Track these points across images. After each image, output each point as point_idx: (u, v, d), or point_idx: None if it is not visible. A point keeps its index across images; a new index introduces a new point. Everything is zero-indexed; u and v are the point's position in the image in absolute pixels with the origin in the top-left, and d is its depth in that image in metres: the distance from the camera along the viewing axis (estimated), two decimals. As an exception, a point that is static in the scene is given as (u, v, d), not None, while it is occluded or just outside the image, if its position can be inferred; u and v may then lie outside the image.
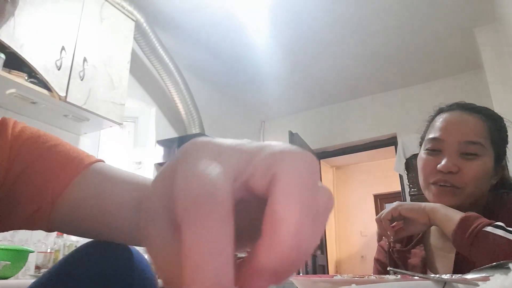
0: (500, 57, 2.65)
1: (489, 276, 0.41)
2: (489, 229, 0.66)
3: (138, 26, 2.40)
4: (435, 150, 0.84)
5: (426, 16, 2.69)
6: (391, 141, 3.70)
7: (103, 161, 0.50)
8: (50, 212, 0.46)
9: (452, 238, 0.70)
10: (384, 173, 5.40)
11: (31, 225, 0.47)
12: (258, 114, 4.28)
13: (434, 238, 0.89)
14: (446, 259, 0.83)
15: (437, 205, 0.76)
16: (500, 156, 0.84)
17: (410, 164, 3.31)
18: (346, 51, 3.12)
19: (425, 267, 0.84)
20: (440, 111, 0.91)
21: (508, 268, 0.44)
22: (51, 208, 0.46)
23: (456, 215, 0.71)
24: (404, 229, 0.82)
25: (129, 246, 0.48)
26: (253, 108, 4.12)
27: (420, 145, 0.93)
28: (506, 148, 0.87)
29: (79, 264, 0.46)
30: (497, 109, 2.56)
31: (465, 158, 0.80)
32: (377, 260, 0.99)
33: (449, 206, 0.82)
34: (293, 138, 3.46)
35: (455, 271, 0.79)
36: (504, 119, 0.89)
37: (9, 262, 1.34)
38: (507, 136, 0.88)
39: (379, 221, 0.81)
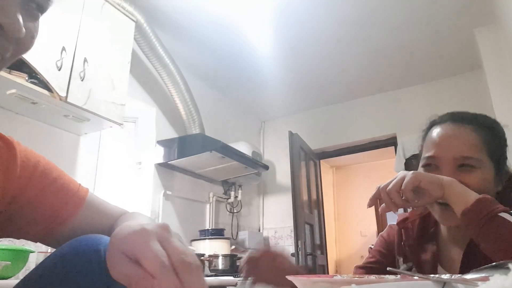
0: (500, 57, 2.65)
1: (488, 276, 0.41)
2: (504, 215, 0.65)
3: (138, 27, 2.40)
4: (432, 166, 0.83)
5: (426, 16, 2.69)
6: (391, 141, 3.70)
7: (88, 190, 0.66)
8: (53, 233, 0.60)
9: (463, 216, 0.69)
10: (384, 173, 5.39)
11: (37, 240, 0.62)
12: (258, 114, 4.28)
13: (446, 234, 0.88)
14: (458, 255, 0.82)
15: (455, 180, 0.74)
16: (500, 163, 0.83)
17: (410, 164, 3.31)
18: (346, 51, 3.12)
19: (436, 263, 0.84)
20: (433, 124, 0.90)
21: (508, 268, 0.44)
22: (55, 230, 0.60)
23: (473, 194, 0.70)
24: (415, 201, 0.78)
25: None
26: (253, 108, 4.12)
27: (419, 154, 0.92)
28: (506, 152, 0.85)
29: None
30: (497, 109, 2.56)
31: (463, 170, 0.79)
32: (378, 252, 0.97)
33: (456, 226, 0.81)
34: (293, 138, 3.46)
35: (462, 268, 0.79)
36: (501, 123, 0.87)
37: (10, 262, 1.34)
38: (505, 140, 0.86)
39: (395, 191, 0.74)
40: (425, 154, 0.86)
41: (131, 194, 2.69)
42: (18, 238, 0.62)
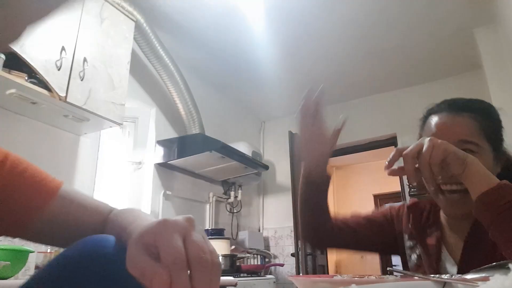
0: (500, 58, 2.65)
1: (489, 276, 0.41)
2: None
3: (138, 26, 2.40)
4: None
5: (425, 16, 2.69)
6: (391, 141, 3.70)
7: (62, 182, 0.64)
8: (28, 225, 0.59)
9: (480, 199, 0.67)
10: (384, 173, 5.35)
11: (14, 234, 0.61)
12: (258, 114, 4.28)
13: (445, 223, 0.90)
14: (459, 243, 0.84)
15: (478, 161, 0.70)
16: (497, 145, 0.84)
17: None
18: (346, 51, 3.12)
19: (441, 246, 0.86)
20: (430, 112, 0.92)
21: (508, 268, 0.44)
22: (29, 222, 0.59)
23: (494, 178, 0.68)
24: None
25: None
26: (253, 108, 4.12)
27: None
28: (502, 134, 0.86)
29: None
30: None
31: None
32: (373, 215, 1.03)
33: (463, 213, 0.81)
34: (293, 138, 3.46)
35: (463, 258, 0.80)
36: (495, 107, 0.89)
37: (9, 262, 1.34)
38: (500, 122, 0.87)
39: (427, 163, 0.68)
40: None
41: (131, 194, 2.69)
42: None
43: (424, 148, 0.68)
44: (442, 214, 0.92)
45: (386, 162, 0.74)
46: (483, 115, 0.85)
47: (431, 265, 0.86)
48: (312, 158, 0.97)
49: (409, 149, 0.71)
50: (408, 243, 0.94)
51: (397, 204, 1.04)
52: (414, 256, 0.92)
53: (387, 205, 1.07)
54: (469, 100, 0.88)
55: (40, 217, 0.60)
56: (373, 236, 1.01)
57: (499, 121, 0.88)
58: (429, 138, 0.70)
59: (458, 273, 0.81)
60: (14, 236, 0.61)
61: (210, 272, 0.39)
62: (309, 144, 0.98)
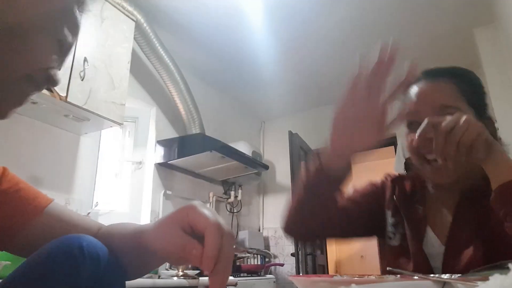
0: (499, 58, 2.65)
1: (488, 276, 0.41)
2: None
3: (138, 26, 2.40)
4: (414, 124, 0.80)
5: (425, 16, 2.70)
6: (391, 141, 3.70)
7: (52, 200, 0.65)
8: (9, 240, 0.60)
9: (501, 187, 0.64)
10: (384, 173, 5.39)
11: None
12: (258, 114, 4.28)
13: (433, 196, 0.87)
14: (447, 217, 0.81)
15: (502, 148, 0.68)
16: (480, 110, 0.81)
17: (410, 164, 3.31)
18: (346, 51, 3.12)
19: (425, 224, 0.83)
20: None
21: (508, 268, 0.44)
22: (10, 237, 0.60)
23: None
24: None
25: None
26: (253, 108, 4.12)
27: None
28: (485, 99, 0.83)
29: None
30: (496, 109, 2.56)
31: None
32: (374, 185, 0.97)
33: (451, 181, 0.78)
34: (293, 138, 3.46)
35: (452, 231, 0.78)
36: (475, 72, 0.86)
37: (10, 262, 1.34)
38: (482, 87, 0.85)
39: (455, 142, 0.63)
40: (405, 112, 0.84)
41: (131, 194, 2.69)
42: None
43: (458, 126, 0.64)
44: (428, 189, 0.88)
45: (418, 132, 0.69)
46: (462, 79, 0.83)
47: (415, 244, 0.82)
48: (342, 147, 0.79)
49: (446, 122, 0.65)
50: (391, 220, 0.89)
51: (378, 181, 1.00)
52: (397, 236, 0.87)
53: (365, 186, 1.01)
54: (446, 67, 0.87)
55: (25, 233, 0.61)
56: (363, 213, 0.93)
57: (481, 86, 0.85)
58: (465, 117, 0.65)
59: (445, 252, 0.78)
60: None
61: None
62: (350, 124, 0.76)
